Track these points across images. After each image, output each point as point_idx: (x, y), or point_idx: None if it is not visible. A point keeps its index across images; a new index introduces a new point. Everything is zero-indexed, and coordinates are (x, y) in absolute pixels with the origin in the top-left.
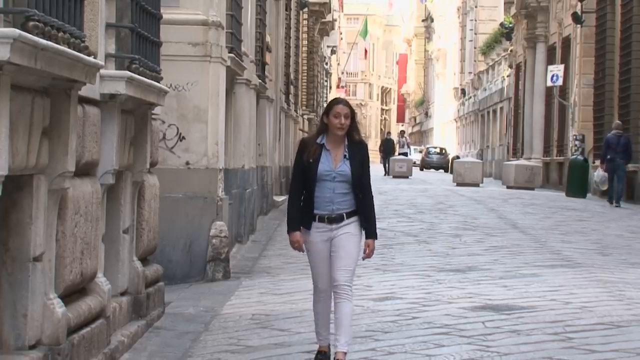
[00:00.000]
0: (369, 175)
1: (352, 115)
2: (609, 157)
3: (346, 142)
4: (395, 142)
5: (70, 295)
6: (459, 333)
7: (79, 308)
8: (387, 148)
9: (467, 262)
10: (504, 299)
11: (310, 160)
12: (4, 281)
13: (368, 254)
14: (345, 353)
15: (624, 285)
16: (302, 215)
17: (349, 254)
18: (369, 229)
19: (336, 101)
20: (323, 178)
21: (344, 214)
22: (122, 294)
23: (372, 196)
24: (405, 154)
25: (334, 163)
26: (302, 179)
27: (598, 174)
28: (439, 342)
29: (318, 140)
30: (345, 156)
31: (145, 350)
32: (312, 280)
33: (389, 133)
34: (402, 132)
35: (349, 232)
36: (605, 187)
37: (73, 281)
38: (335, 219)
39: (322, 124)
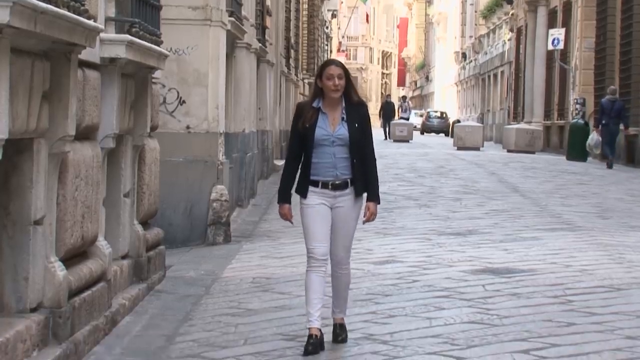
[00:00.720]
0: (371, 136)
1: (347, 75)
2: (604, 122)
3: (343, 104)
4: (396, 106)
5: (72, 258)
6: (459, 296)
7: (80, 271)
8: (387, 112)
9: (468, 225)
10: (504, 262)
11: (307, 125)
12: (5, 245)
13: (368, 217)
14: (343, 318)
15: (624, 249)
16: (299, 183)
17: (348, 232)
18: (371, 191)
19: (328, 62)
20: (321, 143)
21: (348, 180)
22: (123, 257)
23: (375, 158)
24: (407, 119)
25: (331, 127)
26: (299, 146)
27: (592, 137)
28: (439, 305)
29: (314, 104)
30: (343, 119)
31: (146, 313)
32: (307, 248)
33: (388, 96)
34: (404, 97)
35: (349, 207)
36: (599, 151)
37: (74, 244)
38: (340, 186)
39: (316, 88)
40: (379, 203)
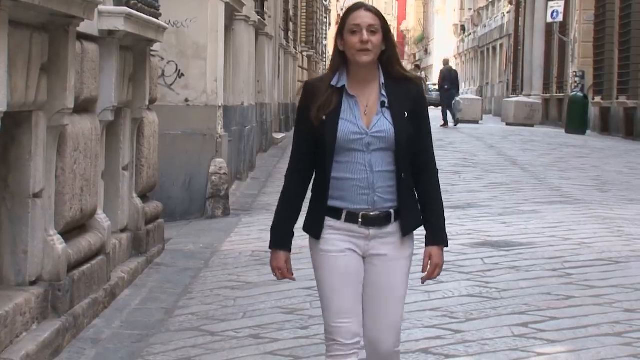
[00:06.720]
0: (430, 134)
1: (386, 29)
2: (446, 87)
3: (382, 80)
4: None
5: (71, 231)
6: (458, 269)
7: (79, 244)
8: None
9: (467, 198)
10: (503, 235)
11: (323, 118)
12: (4, 217)
13: (431, 272)
14: None
15: (623, 222)
16: (309, 214)
17: (396, 298)
18: (433, 228)
19: (353, 7)
20: (349, 146)
21: (392, 212)
22: (122, 230)
23: (437, 171)
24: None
25: (364, 118)
26: (308, 151)
27: (453, 102)
28: (438, 279)
29: (333, 82)
30: (383, 104)
31: (145, 286)
32: (325, 323)
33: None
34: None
35: (393, 257)
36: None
37: (73, 218)
38: (377, 220)
39: (336, 53)
40: (446, 246)
